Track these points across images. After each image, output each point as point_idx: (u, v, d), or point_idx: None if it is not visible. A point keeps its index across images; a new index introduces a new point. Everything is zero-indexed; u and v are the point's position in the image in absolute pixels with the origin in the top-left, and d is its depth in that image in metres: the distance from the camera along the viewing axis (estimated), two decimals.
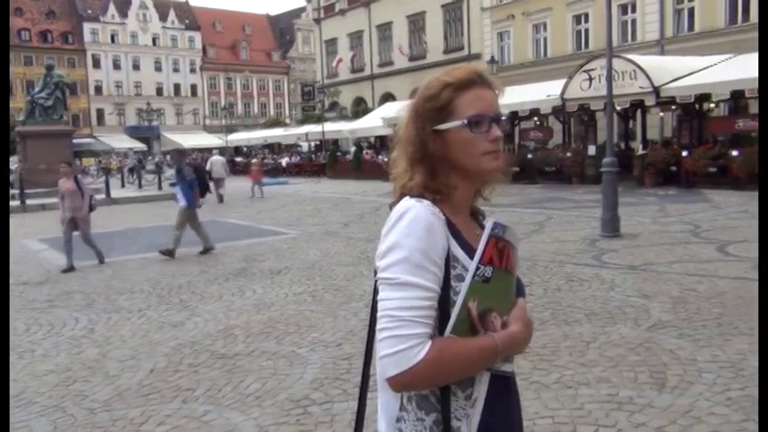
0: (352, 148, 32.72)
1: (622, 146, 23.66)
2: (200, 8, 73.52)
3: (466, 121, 1.30)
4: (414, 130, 1.34)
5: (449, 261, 1.25)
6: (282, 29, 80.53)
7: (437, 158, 1.33)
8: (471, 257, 1.26)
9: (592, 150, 19.66)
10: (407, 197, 1.30)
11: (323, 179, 30.16)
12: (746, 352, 4.33)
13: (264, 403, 4.01)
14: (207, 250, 10.16)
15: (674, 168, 17.43)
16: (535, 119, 23.49)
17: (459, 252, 1.27)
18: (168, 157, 40.23)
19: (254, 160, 23.81)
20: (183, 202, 10.22)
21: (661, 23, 28.24)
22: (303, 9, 75.41)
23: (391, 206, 1.33)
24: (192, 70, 71.71)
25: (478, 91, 1.33)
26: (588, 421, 3.45)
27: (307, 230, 12.39)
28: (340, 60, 44.28)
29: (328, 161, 32.12)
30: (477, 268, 1.25)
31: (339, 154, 33.77)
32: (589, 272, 7.26)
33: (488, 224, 1.29)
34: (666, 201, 14.24)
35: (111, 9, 65.72)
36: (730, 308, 5.42)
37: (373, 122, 29.55)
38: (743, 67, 16.79)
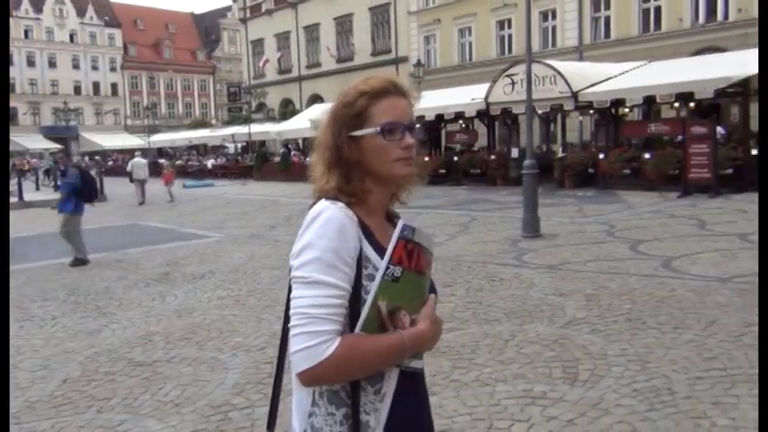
0: (282, 150, 32.45)
1: (544, 148, 24.41)
2: (121, 4, 71.11)
3: (379, 129, 1.35)
4: (330, 135, 1.38)
5: (361, 261, 1.30)
6: (207, 28, 78.93)
7: (352, 163, 1.37)
8: (383, 258, 1.31)
9: (515, 153, 20.18)
10: (323, 199, 1.35)
11: (250, 181, 29.76)
12: (652, 345, 4.56)
13: (184, 410, 3.94)
14: (79, 262, 9.37)
15: (591, 170, 18.09)
16: (461, 122, 23.92)
17: (371, 252, 1.32)
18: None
19: (165, 162, 22.82)
20: (67, 208, 9.66)
21: (579, 30, 29.29)
22: (229, 8, 74.25)
23: (310, 207, 1.37)
24: (113, 69, 69.31)
25: (393, 100, 1.38)
26: (504, 417, 3.56)
27: (232, 233, 12.21)
28: (267, 61, 43.82)
29: (255, 163, 31.72)
30: (387, 268, 1.29)
31: (266, 155, 33.40)
32: (510, 271, 7.46)
33: (398, 226, 1.34)
34: (584, 202, 14.78)
35: (25, 3, 62.73)
36: (639, 304, 5.69)
37: (301, 124, 29.38)
38: (654, 74, 17.65)
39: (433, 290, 1.42)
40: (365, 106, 1.36)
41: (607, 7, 28.44)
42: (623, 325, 5.09)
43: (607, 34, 28.73)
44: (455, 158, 22.15)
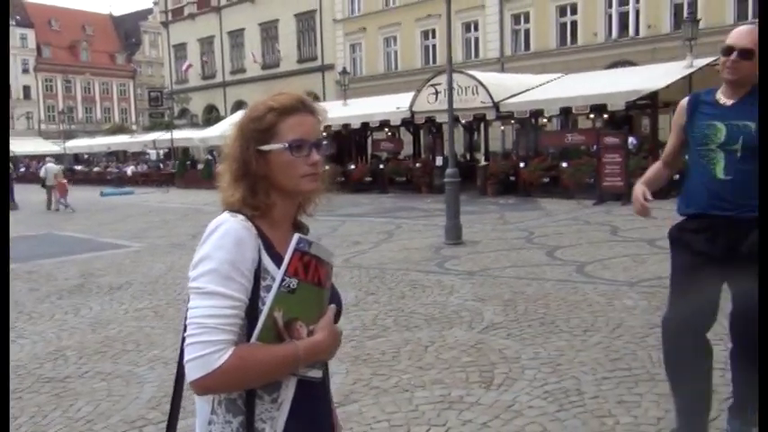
0: (206, 157, 31.82)
1: (467, 157, 24.95)
2: (34, 4, 68.11)
3: (287, 145, 1.39)
4: (238, 148, 1.41)
5: (259, 273, 1.33)
6: (128, 30, 76.62)
7: (259, 177, 1.40)
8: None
9: (439, 161, 20.51)
10: (225, 212, 1.38)
11: (172, 189, 29.03)
12: (564, 348, 4.75)
13: (96, 426, 3.83)
14: None
15: (512, 178, 18.62)
16: (387, 130, 24.14)
17: (270, 264, 1.35)
18: None
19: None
20: None
21: (501, 42, 30.11)
22: (150, 11, 72.32)
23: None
24: (25, 71, 66.26)
25: (301, 117, 1.42)
26: (421, 422, 3.63)
27: (152, 243, 11.90)
28: (190, 65, 42.92)
29: (178, 170, 30.99)
30: (283, 280, 1.32)
31: (189, 162, 32.69)
32: (432, 278, 7.59)
33: (293, 239, 1.36)
34: (506, 209, 15.19)
35: None
36: (553, 308, 5.91)
37: (225, 130, 28.89)
38: (571, 87, 18.35)
39: (337, 301, 1.45)
40: (273, 122, 1.40)
41: (527, 21, 29.40)
42: (537, 329, 5.27)
43: (527, 46, 29.68)
44: (381, 166, 22.34)
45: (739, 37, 2.81)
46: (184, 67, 43.35)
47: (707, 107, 2.92)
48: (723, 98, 2.89)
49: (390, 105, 21.77)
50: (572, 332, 5.14)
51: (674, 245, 3.07)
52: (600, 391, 3.92)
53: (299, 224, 1.52)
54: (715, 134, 2.84)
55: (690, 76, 16.17)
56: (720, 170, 2.82)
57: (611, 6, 26.85)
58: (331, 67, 35.79)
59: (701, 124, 2.90)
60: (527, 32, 29.44)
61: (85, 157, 47.13)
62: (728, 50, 2.81)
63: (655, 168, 3.24)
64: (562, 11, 28.22)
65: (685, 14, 22.20)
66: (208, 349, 1.26)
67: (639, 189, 3.03)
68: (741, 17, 23.98)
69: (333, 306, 1.42)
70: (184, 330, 1.34)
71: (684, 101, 3.05)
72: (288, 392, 1.35)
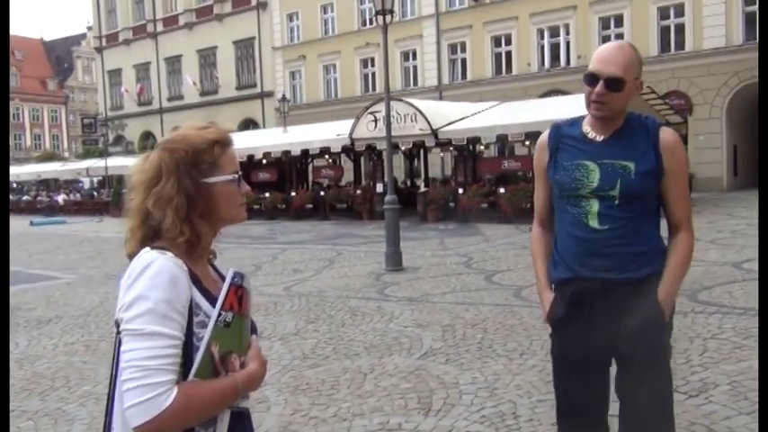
0: None
1: (408, 183, 25.22)
2: None
3: (236, 176, 1.44)
4: (176, 183, 1.38)
5: (192, 309, 1.34)
6: (60, 56, 74.72)
7: (198, 209, 1.40)
8: (212, 304, 1.36)
9: (380, 188, 20.65)
10: (148, 249, 1.35)
11: (106, 218, 28.21)
12: (501, 372, 4.83)
13: None
14: None
15: (452, 204, 18.91)
16: (327, 157, 24.20)
17: (200, 300, 1.36)
18: None
19: None
20: None
21: (438, 71, 30.73)
22: (83, 36, 70.81)
23: (130, 255, 1.38)
24: None
25: (233, 149, 1.48)
26: None
27: (85, 274, 11.52)
28: (127, 90, 42.14)
29: (112, 199, 30.16)
30: (219, 314, 1.34)
31: (124, 191, 31.89)
32: (372, 305, 7.61)
33: (229, 273, 1.39)
34: (446, 234, 15.38)
35: None
36: (491, 332, 6.01)
37: (133, 167, 28.35)
38: (506, 114, 18.84)
39: (253, 329, 1.48)
40: (219, 154, 1.43)
41: (463, 50, 30.17)
42: (475, 354, 5.34)
43: (464, 75, 30.40)
44: (322, 193, 22.33)
45: (606, 61, 2.17)
46: (123, 90, 42.49)
47: (573, 142, 2.32)
48: (592, 131, 2.29)
49: (331, 132, 21.87)
50: (509, 356, 5.24)
51: (553, 329, 2.46)
52: (534, 414, 4.00)
53: (210, 251, 1.53)
54: (586, 177, 2.24)
55: None
56: (594, 219, 2.24)
57: (543, 38, 27.85)
58: (271, 94, 35.77)
59: (567, 165, 2.29)
60: (464, 62, 30.20)
61: (14, 185, 45.40)
62: (592, 79, 2.18)
63: (540, 243, 2.54)
64: (497, 41, 29.09)
65: None
66: (154, 392, 1.24)
67: (546, 299, 2.43)
68: (665, 48, 25.25)
69: (255, 336, 1.46)
70: (116, 374, 1.32)
71: (544, 136, 2.43)
72: (223, 426, 1.36)
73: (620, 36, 25.44)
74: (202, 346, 1.31)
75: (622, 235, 2.22)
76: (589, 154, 2.25)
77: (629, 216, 2.22)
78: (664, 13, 25.29)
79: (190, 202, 1.38)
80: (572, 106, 17.91)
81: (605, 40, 26.03)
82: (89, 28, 59.20)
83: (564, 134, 2.36)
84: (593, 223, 2.24)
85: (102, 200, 32.12)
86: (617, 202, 2.21)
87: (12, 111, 67.90)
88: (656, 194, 2.26)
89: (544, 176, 2.41)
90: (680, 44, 24.99)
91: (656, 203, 2.29)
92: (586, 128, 2.31)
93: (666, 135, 2.24)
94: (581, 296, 2.29)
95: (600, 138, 2.27)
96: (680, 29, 25.01)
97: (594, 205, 2.24)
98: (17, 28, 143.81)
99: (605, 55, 2.19)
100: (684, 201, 2.31)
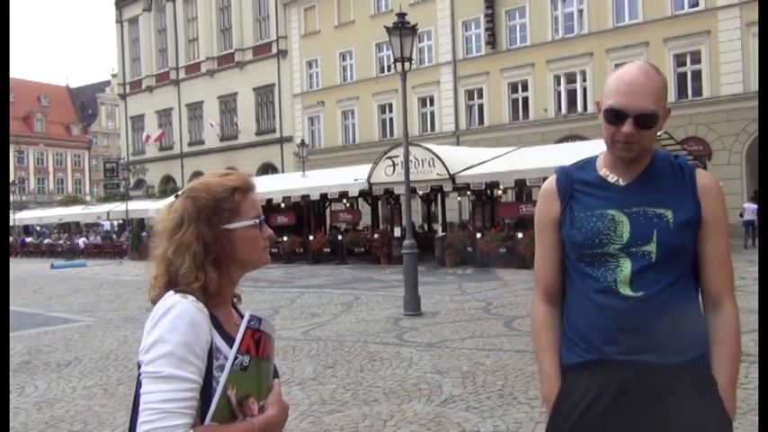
0: None
1: (425, 227, 25.24)
2: None
3: (257, 221, 1.47)
4: (196, 230, 1.42)
5: (212, 353, 1.35)
6: (84, 102, 76.56)
7: (220, 255, 1.43)
8: (232, 347, 1.36)
9: (398, 232, 20.70)
10: (172, 292, 1.38)
11: (126, 261, 28.45)
12: (522, 420, 4.74)
13: None
14: None
15: (470, 249, 18.85)
16: (345, 201, 24.34)
17: (221, 343, 1.37)
18: None
19: None
20: None
21: (456, 117, 31.04)
22: (107, 83, 72.63)
23: (153, 300, 1.40)
24: None
25: (254, 194, 1.50)
26: None
27: (104, 317, 11.57)
28: (149, 137, 42.98)
29: (132, 242, 30.48)
30: (236, 357, 1.34)
31: (144, 234, 32.23)
32: (391, 350, 7.54)
33: (245, 317, 1.40)
34: (464, 279, 15.30)
35: None
36: (511, 379, 5.92)
37: (158, 213, 28.72)
38: (524, 159, 18.91)
39: (276, 374, 1.48)
40: (240, 200, 1.46)
41: (480, 96, 30.48)
42: (496, 401, 5.26)
43: (481, 121, 30.65)
44: (340, 237, 22.38)
45: (634, 93, 1.71)
46: (144, 138, 43.26)
47: (589, 189, 1.85)
48: (612, 174, 1.83)
49: (349, 177, 22.05)
50: (530, 403, 5.15)
51: None
52: None
53: (235, 295, 1.56)
54: (613, 229, 1.77)
55: None
56: (625, 284, 1.74)
57: (559, 84, 28.10)
58: (290, 139, 36.25)
59: (585, 216, 1.81)
60: (480, 107, 30.49)
61: (37, 228, 46.05)
62: (618, 116, 1.72)
63: (547, 328, 1.91)
64: (514, 87, 29.39)
65: None
66: None
67: (551, 395, 1.88)
68: (681, 94, 25.34)
69: (277, 380, 1.46)
70: (135, 416, 1.33)
71: (551, 182, 1.93)
72: None
73: None
74: (219, 389, 1.32)
75: (663, 304, 1.72)
76: (614, 202, 1.79)
77: (670, 280, 1.73)
78: (680, 60, 25.46)
79: (206, 248, 1.41)
80: (591, 151, 17.99)
81: None
82: (113, 75, 60.77)
83: (577, 179, 1.87)
84: (625, 289, 1.73)
85: (121, 243, 32.40)
86: (654, 259, 1.73)
87: (36, 155, 69.33)
88: (694, 252, 1.80)
89: (553, 234, 1.89)
90: (697, 90, 25.08)
91: (694, 264, 1.80)
92: (604, 170, 1.84)
93: (706, 179, 1.81)
94: (606, 383, 1.74)
95: (623, 182, 1.81)
96: (697, 75, 25.13)
97: (626, 265, 1.74)
98: (44, 75, 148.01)
99: (632, 86, 1.71)
100: (726, 261, 1.80)
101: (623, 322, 1.72)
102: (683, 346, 1.73)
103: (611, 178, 1.82)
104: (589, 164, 1.90)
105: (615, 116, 1.72)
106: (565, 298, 1.90)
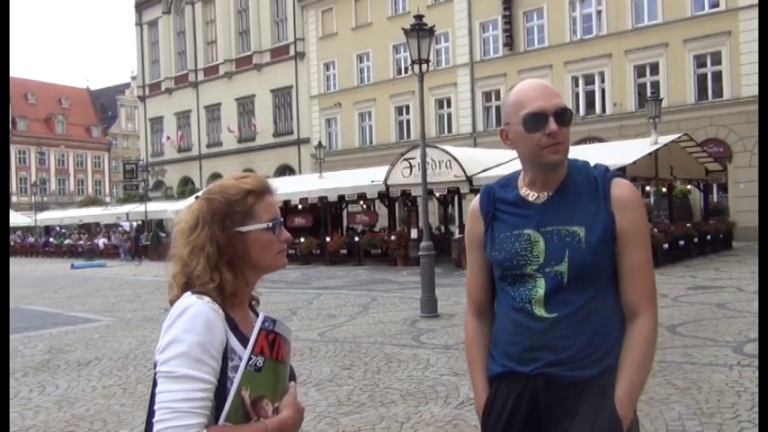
0: None
1: (442, 229, 25.19)
2: (12, 78, 68.61)
3: (271, 224, 1.46)
4: (208, 233, 1.43)
5: (227, 353, 1.36)
6: (104, 104, 77.40)
7: (234, 257, 1.44)
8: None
9: (414, 234, 20.68)
10: (189, 293, 1.39)
11: (145, 261, 28.72)
12: None
13: None
14: None
15: None
16: (362, 202, 24.38)
17: (236, 344, 1.38)
18: None
19: None
20: None
21: (473, 118, 30.94)
22: (127, 85, 73.36)
23: (171, 301, 1.42)
24: None
25: (270, 197, 1.51)
26: None
27: (123, 317, 11.68)
28: (169, 137, 43.35)
29: (151, 242, 30.75)
30: (249, 359, 1.36)
31: (163, 235, 32.49)
32: (408, 352, 7.54)
33: (259, 318, 1.41)
34: None
35: None
36: None
37: (177, 214, 28.92)
38: None
39: (292, 376, 1.49)
40: (253, 203, 1.46)
41: (497, 98, 30.35)
42: None
43: (498, 122, 30.46)
44: (356, 239, 22.42)
45: (543, 94, 1.75)
46: (165, 139, 43.64)
47: (510, 208, 1.84)
48: (530, 191, 1.82)
49: (365, 179, 22.08)
50: None
51: None
52: None
53: (253, 297, 1.57)
54: (530, 250, 1.76)
55: (655, 152, 16.73)
56: (540, 304, 1.75)
57: (577, 85, 27.93)
58: (307, 140, 36.37)
59: (505, 237, 1.81)
60: (498, 109, 30.35)
61: (57, 229, 46.61)
62: (538, 119, 1.72)
63: (477, 344, 1.94)
64: None
65: (648, 94, 23.15)
66: None
67: (479, 407, 1.90)
68: (702, 96, 25.09)
69: (293, 383, 1.46)
70: (150, 415, 1.34)
71: (476, 202, 1.93)
72: None
73: (655, 84, 25.39)
74: (232, 389, 1.33)
75: (577, 323, 1.72)
76: (531, 221, 1.78)
77: (585, 299, 1.72)
78: (700, 61, 25.19)
79: (220, 250, 1.42)
80: (608, 153, 17.93)
81: (640, 87, 26.03)
82: (133, 77, 61.34)
83: (498, 198, 1.86)
84: (539, 310, 1.74)
85: (141, 244, 32.64)
86: (566, 280, 1.72)
87: (57, 157, 70.15)
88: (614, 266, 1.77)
89: (480, 252, 1.90)
90: (717, 92, 24.80)
91: (615, 278, 1.78)
92: (523, 188, 1.82)
93: (621, 189, 1.78)
94: (519, 394, 1.77)
95: (541, 199, 1.79)
96: (717, 76, 24.85)
97: (541, 286, 1.74)
98: (65, 77, 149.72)
99: (538, 90, 1.76)
100: (644, 273, 1.76)
101: (536, 341, 1.74)
102: (595, 359, 1.72)
103: (531, 196, 1.81)
104: (511, 182, 1.89)
105: (536, 120, 1.72)
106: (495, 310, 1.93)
